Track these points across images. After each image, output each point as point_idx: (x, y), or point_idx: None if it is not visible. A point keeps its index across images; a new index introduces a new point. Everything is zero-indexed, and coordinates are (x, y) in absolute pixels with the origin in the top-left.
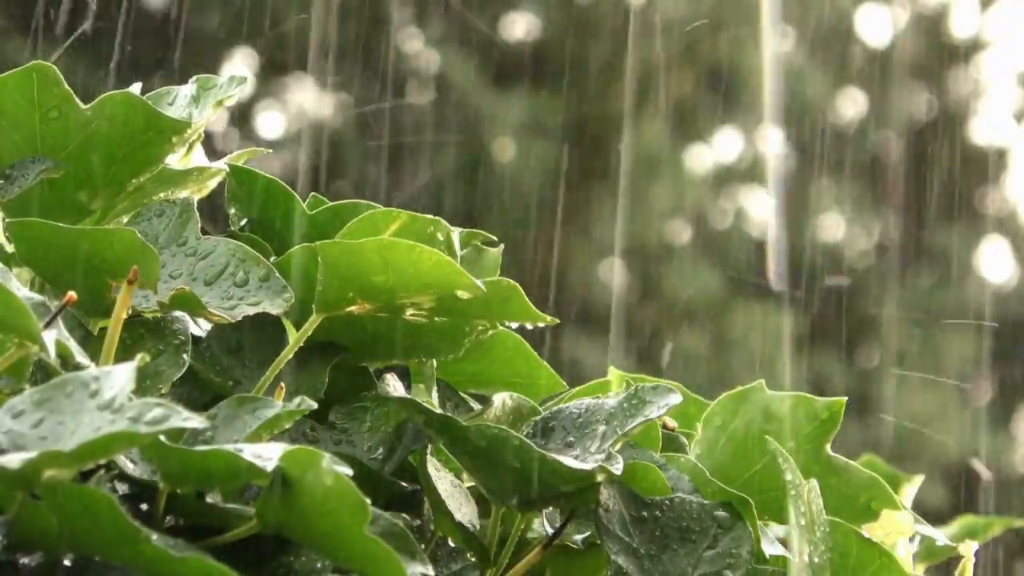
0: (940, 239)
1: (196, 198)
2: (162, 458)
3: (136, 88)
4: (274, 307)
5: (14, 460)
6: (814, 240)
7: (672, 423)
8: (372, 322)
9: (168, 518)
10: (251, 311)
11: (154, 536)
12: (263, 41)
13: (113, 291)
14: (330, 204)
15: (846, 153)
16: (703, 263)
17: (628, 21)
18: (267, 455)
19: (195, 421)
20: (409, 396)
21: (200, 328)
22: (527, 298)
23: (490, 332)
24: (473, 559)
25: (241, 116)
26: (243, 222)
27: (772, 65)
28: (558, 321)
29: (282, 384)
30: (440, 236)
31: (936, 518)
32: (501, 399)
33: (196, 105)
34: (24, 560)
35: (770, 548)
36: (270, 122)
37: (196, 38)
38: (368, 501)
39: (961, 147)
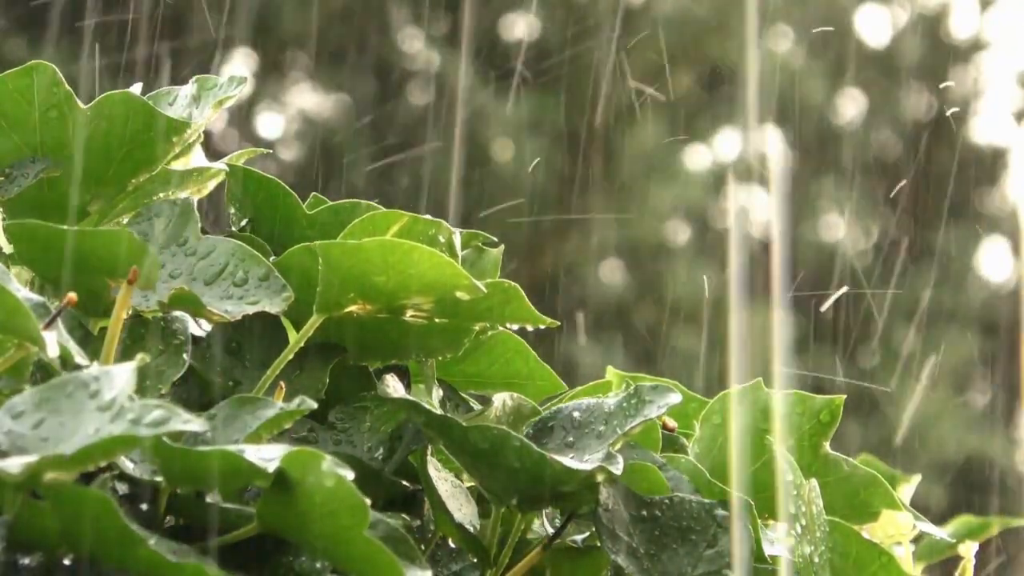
0: (940, 239)
1: (196, 198)
2: (164, 458)
3: (136, 88)
4: (274, 307)
5: (15, 465)
6: (814, 240)
7: (672, 423)
8: (372, 322)
9: (168, 518)
10: (251, 311)
11: (153, 540)
12: (263, 41)
13: (113, 291)
14: (330, 204)
15: (846, 153)
16: (703, 263)
17: (628, 21)
18: (268, 456)
19: (196, 423)
20: (409, 396)
21: (200, 328)
22: (527, 300)
23: (490, 332)
24: (473, 559)
25: (241, 116)
26: (243, 222)
27: (772, 65)
28: (558, 323)
29: (282, 384)
30: (442, 238)
31: (935, 518)
32: (501, 399)
33: (196, 105)
34: (24, 560)
35: (770, 548)
36: (269, 122)
37: (196, 38)
38: (368, 503)
39: (961, 147)
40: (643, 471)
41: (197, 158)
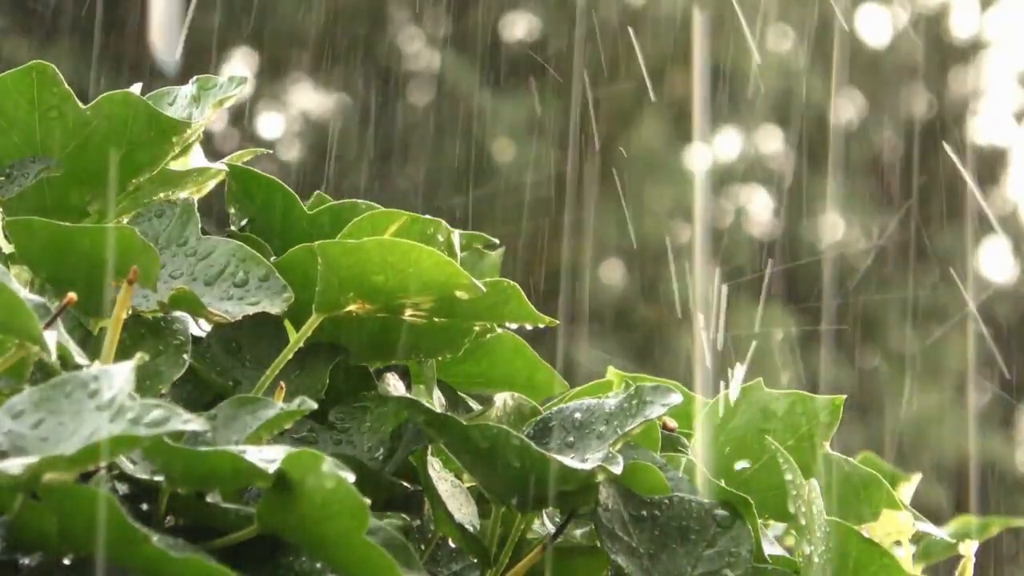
0: (940, 239)
1: (196, 198)
2: (165, 458)
3: (136, 88)
4: (274, 307)
5: (15, 465)
6: (814, 240)
7: (672, 423)
8: (372, 322)
9: (168, 518)
10: (251, 311)
11: (154, 537)
12: (263, 41)
13: (113, 291)
14: (330, 204)
15: (846, 153)
16: (703, 263)
17: (628, 21)
18: (269, 457)
19: (196, 423)
20: (409, 396)
21: (200, 328)
22: (527, 299)
23: (488, 336)
24: (473, 559)
25: (241, 116)
26: (243, 222)
27: (772, 65)
28: (557, 322)
29: (282, 384)
30: (440, 237)
31: (936, 518)
32: (502, 399)
33: (196, 105)
34: (24, 560)
35: (770, 548)
36: (269, 122)
37: (196, 38)
38: (368, 503)
39: (961, 147)
40: (643, 471)
41: (197, 158)
